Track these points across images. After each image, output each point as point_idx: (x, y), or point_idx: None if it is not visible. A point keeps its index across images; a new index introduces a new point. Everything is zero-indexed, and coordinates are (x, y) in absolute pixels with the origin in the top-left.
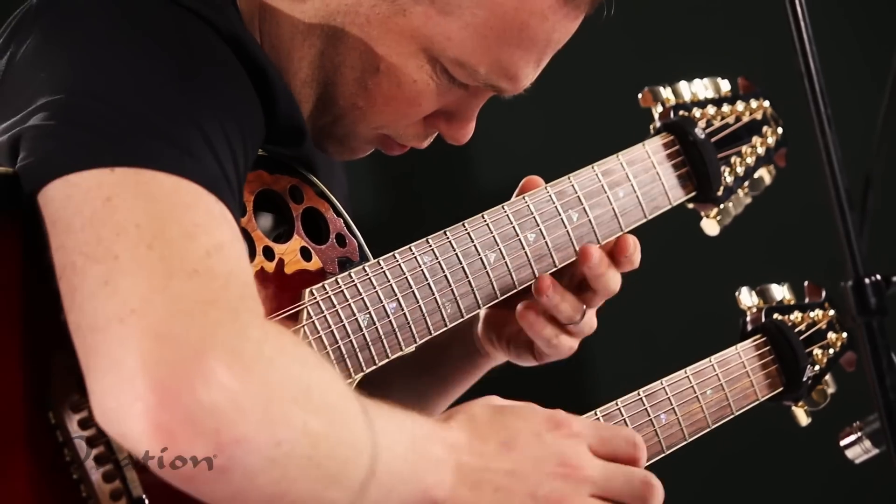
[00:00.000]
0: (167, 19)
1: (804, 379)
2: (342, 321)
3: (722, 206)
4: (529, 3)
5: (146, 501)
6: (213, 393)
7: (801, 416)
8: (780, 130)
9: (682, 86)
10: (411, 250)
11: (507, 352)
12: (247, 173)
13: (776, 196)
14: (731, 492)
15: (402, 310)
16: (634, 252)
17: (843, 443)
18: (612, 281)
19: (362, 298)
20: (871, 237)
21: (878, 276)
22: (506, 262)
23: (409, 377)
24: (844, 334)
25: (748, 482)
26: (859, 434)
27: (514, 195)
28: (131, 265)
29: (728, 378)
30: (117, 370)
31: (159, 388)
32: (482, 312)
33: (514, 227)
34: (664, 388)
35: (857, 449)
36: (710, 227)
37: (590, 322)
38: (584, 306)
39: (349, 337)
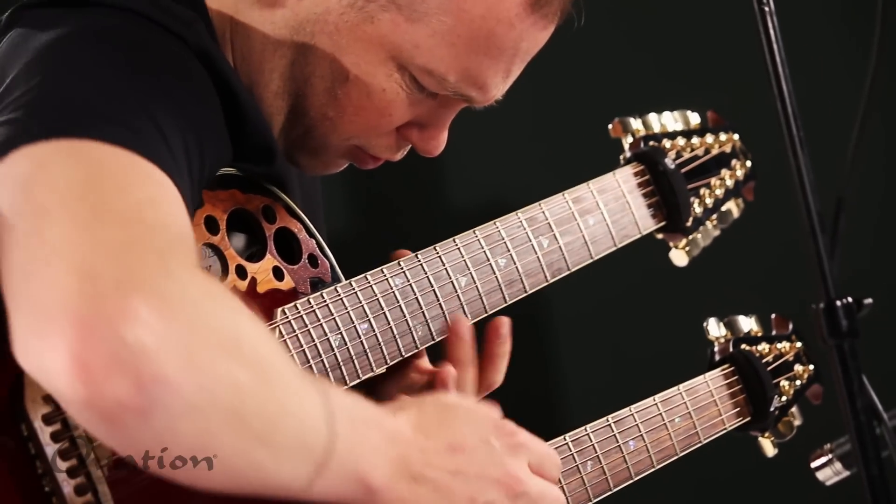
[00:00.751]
0: (136, 32)
1: (771, 409)
2: (314, 341)
3: (691, 236)
4: (496, 11)
5: None
6: (135, 330)
7: (768, 447)
8: (748, 164)
9: (652, 117)
10: (383, 272)
11: None
12: (204, 179)
13: (747, 220)
14: None
15: (374, 331)
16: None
17: (813, 465)
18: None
19: (334, 319)
20: (843, 259)
21: (850, 299)
22: (477, 287)
23: None
24: (811, 366)
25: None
26: (830, 456)
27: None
28: (60, 214)
29: (696, 406)
30: (39, 308)
31: (80, 323)
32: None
33: (485, 251)
34: (633, 414)
35: (828, 471)
36: (679, 257)
37: None
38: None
39: (320, 356)
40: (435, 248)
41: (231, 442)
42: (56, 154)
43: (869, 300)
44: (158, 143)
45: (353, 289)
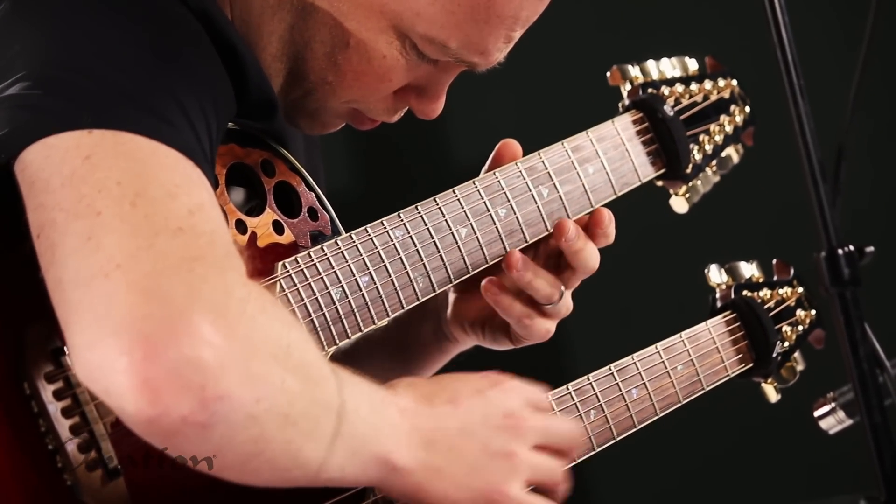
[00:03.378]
0: None
1: (773, 355)
2: (315, 294)
3: (691, 183)
4: None
5: (122, 471)
6: (199, 349)
7: (771, 393)
8: (747, 109)
9: (651, 64)
10: (383, 224)
11: (481, 337)
12: (219, 146)
13: (747, 171)
14: (710, 467)
15: (375, 283)
16: (609, 225)
17: (816, 413)
18: (591, 257)
19: (335, 272)
20: (844, 208)
21: (852, 247)
22: (477, 238)
23: (376, 360)
24: (813, 311)
25: (726, 454)
26: (833, 405)
27: (490, 158)
28: (115, 221)
29: (698, 354)
30: (101, 324)
31: (145, 342)
32: (451, 298)
33: (484, 202)
34: (635, 363)
35: (831, 419)
36: (679, 204)
37: (566, 303)
38: (562, 286)
39: (322, 310)
40: (435, 199)
41: (282, 445)
42: (100, 148)
43: (870, 248)
44: (189, 133)
45: (354, 242)
